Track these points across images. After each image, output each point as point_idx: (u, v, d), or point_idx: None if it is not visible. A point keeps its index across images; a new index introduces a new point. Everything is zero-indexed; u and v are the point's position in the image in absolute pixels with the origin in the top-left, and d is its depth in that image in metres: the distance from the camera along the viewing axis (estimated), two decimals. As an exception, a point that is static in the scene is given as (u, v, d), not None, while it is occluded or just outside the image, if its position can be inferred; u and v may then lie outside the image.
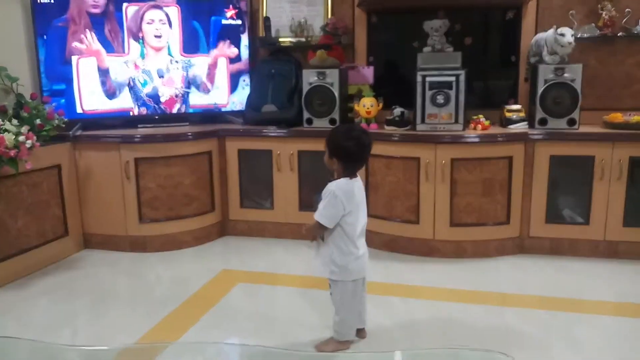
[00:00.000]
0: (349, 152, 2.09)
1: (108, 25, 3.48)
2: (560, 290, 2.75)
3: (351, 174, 2.13)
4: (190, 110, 3.80)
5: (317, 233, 2.15)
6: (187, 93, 3.77)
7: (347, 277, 2.13)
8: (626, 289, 2.76)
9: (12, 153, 2.77)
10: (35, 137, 2.93)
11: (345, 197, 2.07)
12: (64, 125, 3.23)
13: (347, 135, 2.11)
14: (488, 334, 2.32)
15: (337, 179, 2.13)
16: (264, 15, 3.92)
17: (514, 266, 3.09)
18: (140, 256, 3.35)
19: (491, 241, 3.21)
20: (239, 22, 3.80)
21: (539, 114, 3.17)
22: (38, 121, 3.06)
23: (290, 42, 3.87)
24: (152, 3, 3.56)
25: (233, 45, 3.81)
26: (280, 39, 3.90)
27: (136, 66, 3.60)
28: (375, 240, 3.38)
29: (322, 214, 2.08)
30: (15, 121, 2.91)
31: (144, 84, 3.65)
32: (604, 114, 3.28)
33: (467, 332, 2.34)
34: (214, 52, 3.77)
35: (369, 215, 3.33)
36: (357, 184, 2.14)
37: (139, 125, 3.63)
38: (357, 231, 2.14)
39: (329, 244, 2.13)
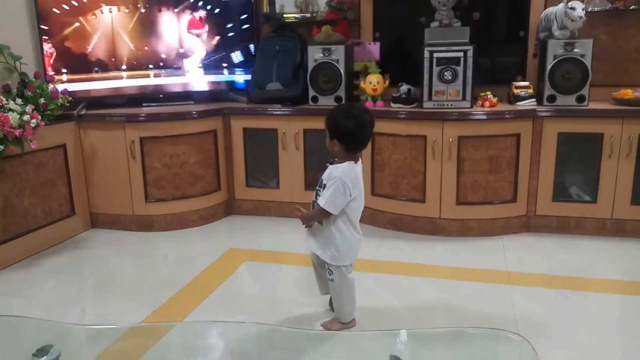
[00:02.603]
0: (350, 132, 1.99)
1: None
2: (567, 269, 2.75)
3: (354, 157, 2.06)
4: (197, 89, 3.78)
5: (319, 219, 2.10)
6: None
7: (347, 260, 2.12)
8: (633, 268, 2.75)
9: (17, 133, 2.77)
10: (39, 117, 2.92)
11: (352, 183, 2.01)
12: (68, 105, 3.21)
13: (347, 114, 2.02)
14: (494, 313, 2.33)
15: (338, 162, 2.06)
16: (268, -10, 3.85)
17: (520, 244, 3.08)
18: (147, 235, 3.37)
19: (497, 219, 3.20)
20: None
21: (548, 90, 3.12)
22: (42, 100, 3.04)
23: (295, 17, 3.81)
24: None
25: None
26: (285, 15, 3.84)
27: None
28: (381, 219, 3.38)
29: (329, 202, 2.01)
30: (19, 100, 2.90)
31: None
32: (614, 90, 3.22)
33: (473, 311, 2.35)
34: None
35: (375, 194, 3.38)
36: (359, 168, 2.07)
37: (144, 104, 3.61)
38: (359, 215, 2.11)
39: (330, 228, 2.07)
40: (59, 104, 3.13)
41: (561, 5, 3.06)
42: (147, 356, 1.86)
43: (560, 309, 2.35)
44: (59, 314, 2.37)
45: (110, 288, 2.66)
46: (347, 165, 2.03)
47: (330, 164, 2.10)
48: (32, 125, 2.85)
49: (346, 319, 2.19)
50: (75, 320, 2.34)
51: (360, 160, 2.10)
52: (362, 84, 3.44)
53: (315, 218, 2.11)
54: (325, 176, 2.07)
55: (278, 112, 3.49)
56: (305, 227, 2.17)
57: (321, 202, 2.04)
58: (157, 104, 3.63)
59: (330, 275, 2.15)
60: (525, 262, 2.84)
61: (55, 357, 1.51)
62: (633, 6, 3.24)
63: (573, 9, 3.00)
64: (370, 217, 3.42)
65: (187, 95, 3.76)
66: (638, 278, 2.63)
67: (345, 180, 2.00)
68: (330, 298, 2.29)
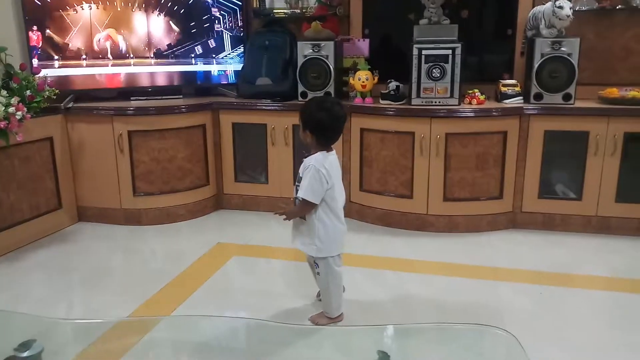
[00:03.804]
0: (322, 123, 2.05)
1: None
2: (552, 265, 2.78)
3: (326, 147, 2.10)
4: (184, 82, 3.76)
5: (303, 213, 2.11)
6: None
7: (333, 251, 2.13)
8: (617, 264, 2.79)
9: (2, 125, 2.73)
10: (25, 109, 2.88)
11: (326, 171, 2.05)
12: (55, 97, 3.18)
13: (320, 106, 2.07)
14: (480, 308, 2.35)
15: (312, 153, 2.10)
16: (258, -15, 3.84)
17: (506, 241, 3.12)
18: (135, 229, 3.36)
19: (484, 216, 3.23)
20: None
21: (535, 88, 3.15)
22: (28, 92, 3.01)
23: (285, 13, 3.79)
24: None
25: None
26: (275, 10, 3.82)
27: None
28: (368, 215, 3.40)
29: (307, 191, 2.03)
30: (4, 92, 2.86)
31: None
32: (600, 88, 3.26)
33: (460, 306, 2.37)
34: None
35: (363, 190, 3.39)
36: (332, 157, 2.11)
37: (132, 98, 3.59)
38: (339, 204, 2.13)
39: (313, 221, 2.09)
40: (45, 96, 3.09)
41: (549, 4, 3.08)
42: (133, 351, 1.85)
43: (546, 304, 2.38)
44: (45, 309, 2.36)
45: (97, 282, 2.65)
46: (319, 154, 2.08)
47: (305, 157, 2.13)
48: (18, 117, 2.82)
49: (333, 313, 2.20)
50: (62, 314, 2.33)
51: (333, 151, 2.13)
52: (351, 80, 3.44)
53: (299, 212, 2.12)
54: (301, 170, 2.11)
55: (267, 107, 3.48)
56: (285, 220, 2.18)
57: (300, 193, 2.06)
58: (145, 97, 3.61)
59: (317, 268, 2.16)
60: (512, 258, 2.87)
61: (38, 352, 1.49)
62: (620, 5, 3.27)
63: (561, 7, 3.02)
64: (359, 213, 3.43)
65: (176, 89, 3.73)
66: (622, 275, 2.68)
67: (319, 167, 2.04)
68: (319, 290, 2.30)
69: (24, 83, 3.02)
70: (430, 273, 2.70)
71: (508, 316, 2.27)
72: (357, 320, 2.24)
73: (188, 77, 3.78)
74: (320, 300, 2.29)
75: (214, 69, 3.82)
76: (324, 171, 2.04)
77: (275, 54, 3.65)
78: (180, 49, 3.71)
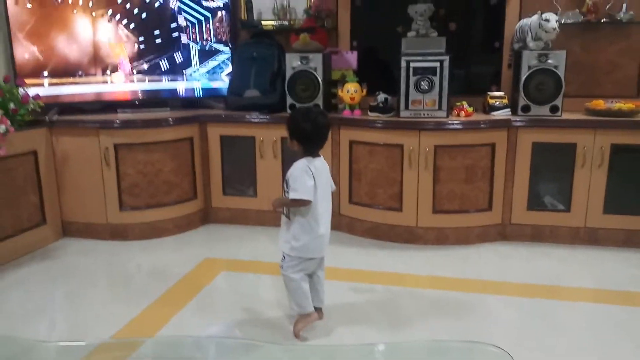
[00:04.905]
0: (307, 133, 2.14)
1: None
2: (542, 277, 2.78)
3: (312, 154, 2.17)
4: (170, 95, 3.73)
5: (293, 206, 2.14)
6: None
7: (305, 254, 2.16)
8: (606, 276, 2.80)
9: (-15, 139, 2.69)
10: (9, 122, 2.84)
11: (311, 171, 2.11)
12: (39, 110, 3.13)
13: (305, 117, 2.16)
14: (470, 322, 2.34)
15: (299, 159, 2.18)
16: (246, -3, 3.83)
17: (495, 253, 3.11)
18: (121, 244, 3.30)
19: (473, 228, 3.23)
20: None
21: (522, 101, 3.17)
22: (12, 105, 2.97)
23: (273, 25, 3.79)
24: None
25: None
26: (263, 22, 3.82)
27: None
28: (358, 228, 3.38)
29: (299, 191, 2.09)
30: (-13, 106, 2.82)
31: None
32: (587, 100, 3.29)
33: (450, 320, 2.35)
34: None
35: (352, 202, 3.37)
36: (318, 162, 2.17)
37: (119, 110, 3.55)
38: (320, 208, 2.14)
39: (294, 220, 2.15)
40: (29, 109, 3.05)
41: (535, 17, 3.11)
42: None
43: (535, 317, 2.37)
44: (25, 329, 2.30)
45: (81, 300, 2.59)
46: (304, 159, 2.16)
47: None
48: (1, 131, 2.77)
49: (303, 310, 2.20)
50: (45, 334, 2.27)
51: (321, 157, 2.20)
52: (339, 93, 3.44)
53: (288, 204, 2.15)
54: (288, 174, 2.17)
55: (255, 120, 3.46)
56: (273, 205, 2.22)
57: (294, 196, 2.09)
58: (132, 110, 3.57)
59: (281, 261, 2.20)
60: (501, 271, 2.87)
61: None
62: (604, 19, 3.31)
63: (547, 20, 3.05)
64: (348, 226, 3.41)
65: (163, 102, 3.70)
66: (610, 286, 2.68)
67: (304, 167, 2.12)
68: None
69: (7, 96, 2.98)
70: (420, 287, 2.69)
71: (498, 330, 2.26)
72: (347, 336, 2.22)
73: (172, 91, 3.75)
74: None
75: (180, 86, 3.76)
76: (312, 169, 2.11)
77: (263, 66, 3.63)
78: (143, 63, 3.65)
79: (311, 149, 2.17)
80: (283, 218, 2.21)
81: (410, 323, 2.34)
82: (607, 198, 3.11)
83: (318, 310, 2.27)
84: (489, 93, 3.37)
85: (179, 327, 2.29)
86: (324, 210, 2.17)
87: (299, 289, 2.19)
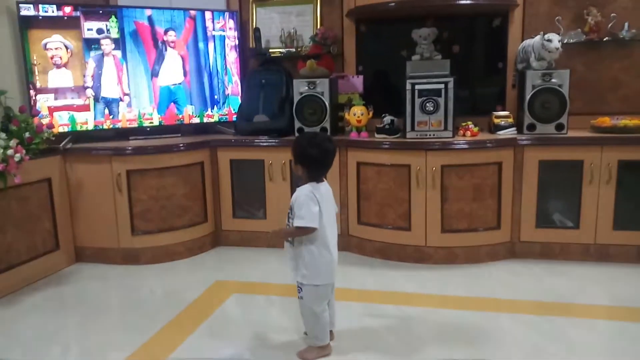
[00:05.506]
0: (313, 158, 2.13)
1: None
2: (553, 295, 2.76)
3: (317, 179, 2.16)
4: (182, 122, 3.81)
5: (298, 235, 2.13)
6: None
7: (317, 280, 2.14)
8: (618, 292, 2.78)
9: (0, 167, 2.75)
10: (24, 151, 2.91)
11: (316, 197, 2.10)
12: (53, 138, 3.21)
13: (311, 142, 2.15)
14: (483, 340, 2.32)
15: (303, 184, 2.17)
16: (254, 26, 3.94)
17: (506, 271, 3.10)
18: (133, 269, 3.33)
19: (482, 246, 3.23)
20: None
21: (527, 119, 3.20)
22: (27, 134, 3.05)
23: (280, 52, 3.89)
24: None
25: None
26: (271, 50, 3.91)
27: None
28: (367, 248, 3.39)
29: (306, 218, 2.07)
30: (3, 134, 2.89)
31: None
32: (592, 118, 3.32)
33: (463, 340, 2.34)
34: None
35: (361, 223, 3.39)
36: (323, 187, 2.16)
37: (131, 137, 3.62)
38: (329, 233, 2.14)
39: (301, 248, 2.13)
40: (44, 137, 3.13)
41: (538, 37, 3.16)
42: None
43: (549, 335, 2.35)
44: (40, 353, 2.32)
45: (93, 324, 2.61)
46: (308, 185, 2.14)
47: (298, 187, 2.18)
48: (16, 159, 2.84)
49: (318, 342, 2.18)
50: (58, 359, 2.28)
51: (325, 182, 2.19)
52: (346, 116, 3.49)
53: (293, 233, 2.14)
54: (292, 200, 2.15)
55: (265, 144, 3.52)
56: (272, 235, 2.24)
57: (300, 223, 2.07)
58: (144, 136, 3.64)
59: (299, 292, 2.17)
60: (512, 289, 2.86)
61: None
62: (607, 38, 3.36)
63: (550, 40, 3.11)
64: (358, 246, 3.43)
65: (174, 128, 3.78)
66: (623, 303, 2.66)
67: (308, 194, 2.10)
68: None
69: (23, 125, 3.06)
70: (432, 306, 2.68)
71: (513, 349, 2.24)
72: (359, 357, 2.21)
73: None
74: (306, 334, 2.28)
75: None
76: (317, 196, 2.10)
77: (271, 91, 3.71)
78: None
79: (316, 174, 2.15)
80: (287, 245, 2.20)
81: (424, 345, 2.32)
82: (616, 214, 3.11)
83: (330, 332, 2.26)
84: (494, 113, 3.41)
85: (190, 351, 2.30)
86: (331, 235, 2.17)
87: (319, 322, 2.17)
